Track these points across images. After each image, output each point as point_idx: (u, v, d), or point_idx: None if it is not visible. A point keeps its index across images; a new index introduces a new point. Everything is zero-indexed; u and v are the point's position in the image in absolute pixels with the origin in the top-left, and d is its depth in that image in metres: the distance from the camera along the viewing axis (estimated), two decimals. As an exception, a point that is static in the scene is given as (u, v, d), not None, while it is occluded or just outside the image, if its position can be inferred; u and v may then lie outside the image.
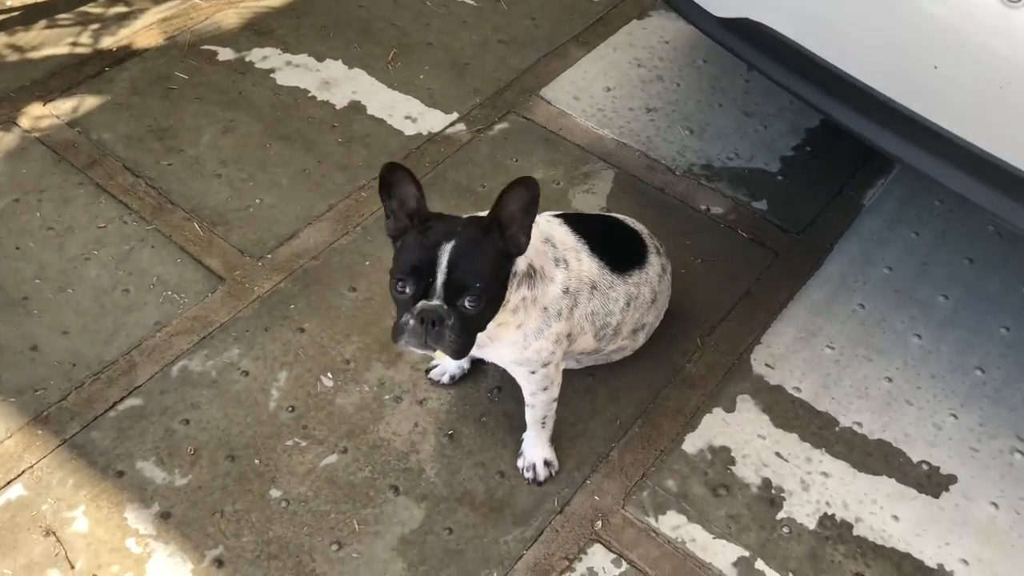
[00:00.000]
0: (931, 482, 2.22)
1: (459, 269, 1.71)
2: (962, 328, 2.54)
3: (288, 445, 2.21)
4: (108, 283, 2.49)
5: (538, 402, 2.09)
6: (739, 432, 2.29)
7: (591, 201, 2.80)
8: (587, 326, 2.07)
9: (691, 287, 2.59)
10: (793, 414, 2.33)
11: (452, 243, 1.71)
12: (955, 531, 2.14)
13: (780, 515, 2.15)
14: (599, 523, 2.11)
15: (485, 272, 1.75)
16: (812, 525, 2.13)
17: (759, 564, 2.06)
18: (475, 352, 1.95)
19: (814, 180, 2.91)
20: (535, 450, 2.17)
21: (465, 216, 1.84)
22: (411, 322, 1.73)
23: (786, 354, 2.45)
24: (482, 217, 1.81)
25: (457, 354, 1.77)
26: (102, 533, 2.03)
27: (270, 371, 2.34)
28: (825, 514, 2.15)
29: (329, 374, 2.35)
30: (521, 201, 1.75)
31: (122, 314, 2.43)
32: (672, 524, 2.12)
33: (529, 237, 1.80)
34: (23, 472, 2.12)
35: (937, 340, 2.50)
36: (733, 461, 2.24)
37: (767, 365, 2.43)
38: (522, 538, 2.08)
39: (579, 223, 2.10)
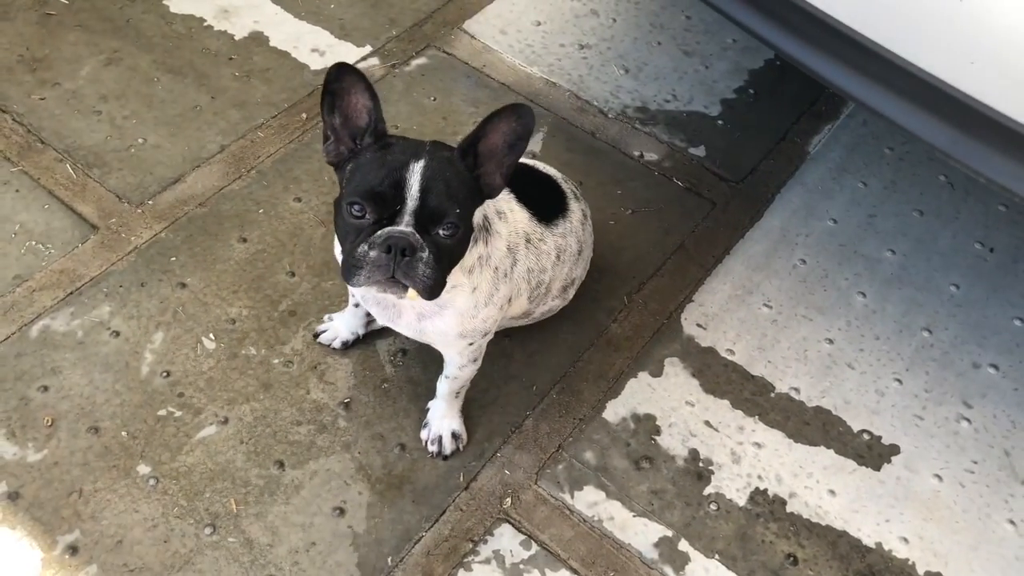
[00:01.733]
0: (872, 453, 2.04)
1: (434, 191, 1.44)
2: (909, 286, 2.35)
3: (161, 415, 1.96)
4: (-38, 231, 2.20)
5: (464, 375, 1.87)
6: (666, 399, 2.09)
7: (514, 145, 2.55)
8: (524, 286, 1.83)
9: (620, 240, 2.37)
10: (725, 379, 2.13)
11: (423, 162, 1.44)
12: (896, 506, 1.96)
13: (708, 490, 1.96)
14: (508, 500, 1.90)
15: (461, 198, 1.48)
16: (742, 501, 1.95)
17: (683, 545, 1.87)
18: (413, 329, 1.73)
19: (756, 125, 2.69)
20: (443, 421, 1.95)
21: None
22: (373, 253, 1.44)
23: (720, 313, 2.25)
24: (449, 145, 1.55)
25: (430, 293, 1.49)
26: (-62, 517, 1.78)
27: (144, 332, 2.08)
28: (757, 489, 1.97)
29: (211, 335, 2.09)
30: (508, 134, 1.49)
31: (-24, 267, 2.15)
32: (589, 501, 1.91)
33: (506, 181, 1.55)
34: None
35: (882, 299, 2.32)
36: (658, 431, 2.04)
37: (699, 325, 2.22)
38: (421, 518, 1.87)
39: None
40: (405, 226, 1.45)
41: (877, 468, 2.02)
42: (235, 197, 2.35)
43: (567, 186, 2.03)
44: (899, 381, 2.16)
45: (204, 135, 2.46)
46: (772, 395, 2.12)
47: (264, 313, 2.14)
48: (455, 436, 1.95)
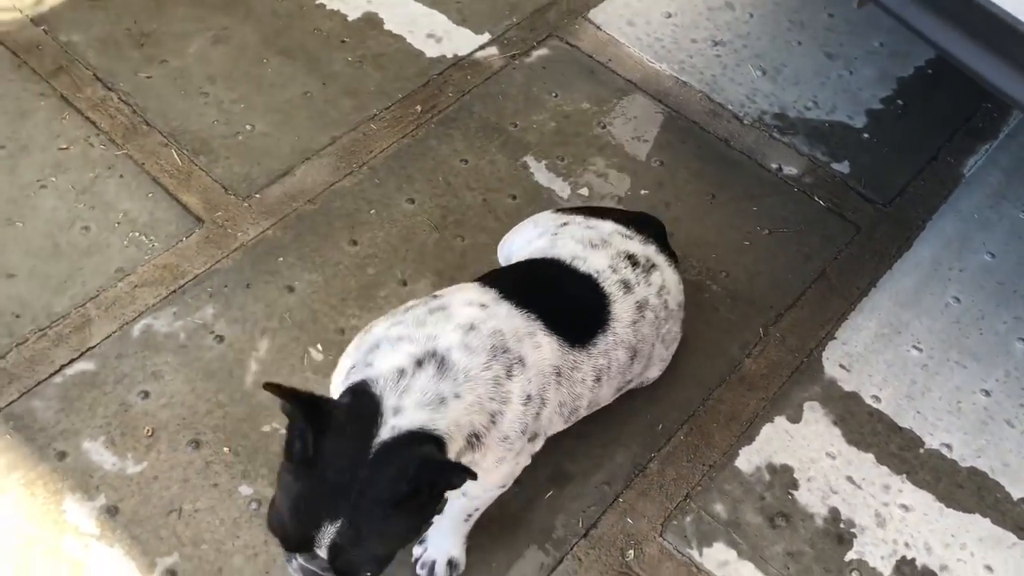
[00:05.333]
0: (1034, 526, 1.84)
1: (347, 558, 1.28)
2: (1076, 334, 2.12)
3: (265, 432, 1.84)
4: (66, 217, 2.11)
5: (488, 498, 1.63)
6: (805, 448, 1.91)
7: (639, 149, 2.36)
8: (556, 419, 1.60)
9: (756, 264, 2.18)
10: (870, 429, 1.95)
11: (340, 523, 1.25)
12: (1061, 590, 1.77)
13: (849, 556, 1.78)
14: (631, 553, 1.76)
15: (388, 552, 1.33)
16: (887, 571, 1.77)
17: (822, 618, 1.71)
18: None
19: (906, 141, 2.46)
20: (444, 541, 1.68)
21: (392, 436, 1.30)
22: (294, 562, 1.35)
23: (865, 354, 2.05)
24: (421, 452, 1.30)
25: None
26: (34, 529, 1.69)
27: (249, 338, 1.97)
28: (904, 558, 1.79)
29: (320, 346, 1.97)
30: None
31: (80, 256, 2.05)
32: (719, 559, 1.76)
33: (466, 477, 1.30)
34: (-53, 446, 1.77)
35: (1046, 347, 2.10)
36: (796, 484, 1.86)
37: (842, 367, 2.03)
38: (537, 565, 1.73)
39: (520, 283, 1.61)
40: (316, 561, 1.30)
41: (1040, 544, 1.82)
42: (346, 195, 2.21)
43: (617, 277, 1.69)
44: (1065, 444, 1.95)
45: (315, 125, 2.33)
46: (921, 451, 1.92)
47: (374, 324, 2.00)
48: (452, 565, 1.68)
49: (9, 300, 1.97)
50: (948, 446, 1.94)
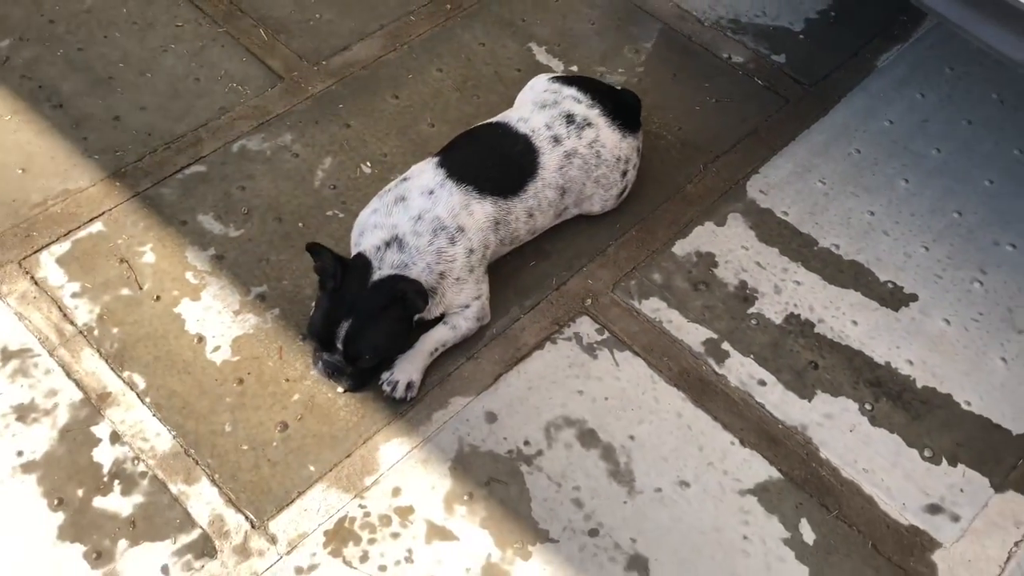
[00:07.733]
0: (893, 298, 2.47)
1: (353, 344, 2.04)
2: (949, 178, 2.74)
3: (328, 215, 2.53)
4: (182, 72, 2.82)
5: (466, 330, 2.26)
6: (725, 242, 2.55)
7: (620, 41, 3.02)
8: (500, 248, 2.32)
9: (703, 122, 2.83)
10: (777, 233, 2.59)
11: (349, 322, 2.03)
12: (907, 339, 2.39)
13: (751, 310, 2.42)
14: (589, 301, 2.41)
15: (379, 343, 2.09)
16: (778, 321, 2.41)
17: (725, 345, 2.35)
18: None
19: (833, 41, 3.09)
20: (408, 367, 2.18)
21: (379, 278, 2.07)
22: (320, 363, 2.14)
23: (780, 184, 2.69)
24: (396, 282, 2.06)
25: (365, 386, 2.17)
26: (166, 265, 2.39)
27: (317, 156, 2.66)
28: (791, 313, 2.42)
29: (368, 163, 2.65)
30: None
31: (193, 98, 2.76)
32: (653, 308, 2.41)
33: (427, 300, 2.09)
34: (103, 213, 2.48)
35: (923, 185, 2.72)
36: (716, 264, 2.51)
37: (761, 191, 2.67)
38: (520, 306, 2.39)
39: (467, 157, 2.28)
40: (337, 355, 2.08)
41: (896, 309, 2.44)
42: (390, 64, 2.90)
43: (550, 133, 2.32)
44: (926, 248, 2.57)
45: (368, 16, 3.03)
46: (815, 248, 2.56)
47: (408, 151, 2.69)
48: (410, 386, 2.17)
49: (143, 124, 2.68)
50: (837, 246, 2.57)
